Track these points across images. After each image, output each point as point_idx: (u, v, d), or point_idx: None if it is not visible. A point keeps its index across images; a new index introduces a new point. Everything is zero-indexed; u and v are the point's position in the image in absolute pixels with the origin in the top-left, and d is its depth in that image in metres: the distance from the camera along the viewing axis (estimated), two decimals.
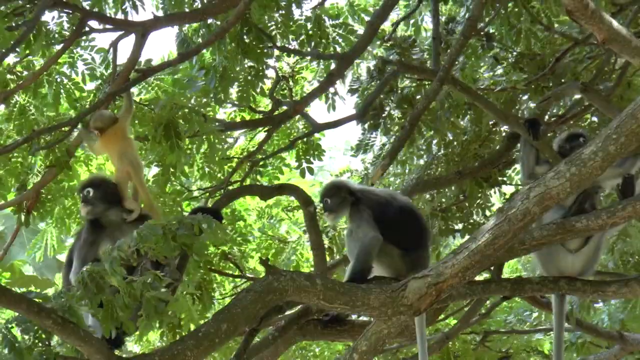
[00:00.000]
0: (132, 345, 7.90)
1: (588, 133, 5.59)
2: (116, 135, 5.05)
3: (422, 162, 6.85)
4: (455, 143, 6.67)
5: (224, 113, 7.01)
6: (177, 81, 5.97)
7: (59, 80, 5.72)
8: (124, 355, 4.06)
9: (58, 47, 5.30)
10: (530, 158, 5.29)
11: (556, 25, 6.17)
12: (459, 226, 6.82)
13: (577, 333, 6.62)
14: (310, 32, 6.23)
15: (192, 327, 5.75)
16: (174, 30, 6.31)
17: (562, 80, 6.14)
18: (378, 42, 6.65)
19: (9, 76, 5.57)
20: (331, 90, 6.76)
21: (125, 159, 4.95)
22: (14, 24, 4.97)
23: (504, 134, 6.74)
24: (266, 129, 6.57)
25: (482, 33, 6.23)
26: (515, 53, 6.30)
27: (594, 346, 6.73)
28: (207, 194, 6.61)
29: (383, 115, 6.58)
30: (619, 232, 6.25)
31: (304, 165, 6.84)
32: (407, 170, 6.93)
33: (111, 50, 5.39)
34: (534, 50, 6.24)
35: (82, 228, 4.95)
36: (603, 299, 6.50)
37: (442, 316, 6.51)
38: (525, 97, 6.57)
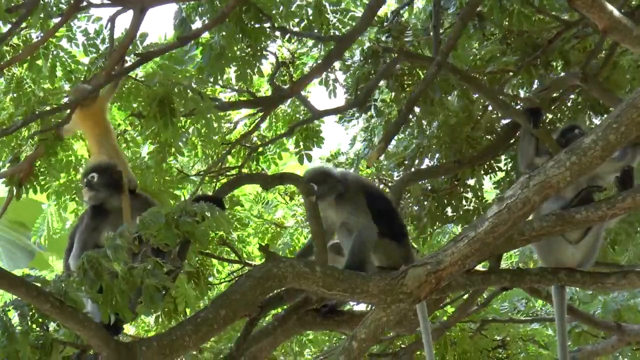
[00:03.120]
0: (128, 326, 7.85)
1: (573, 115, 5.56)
2: (94, 114, 5.02)
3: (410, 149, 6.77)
4: (445, 126, 6.59)
5: (223, 98, 6.95)
6: (171, 56, 5.90)
7: (55, 53, 5.65)
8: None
9: (56, 20, 5.23)
10: (530, 148, 5.28)
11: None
12: (452, 213, 6.79)
13: (573, 323, 6.59)
14: (311, 17, 6.18)
15: (188, 310, 5.82)
16: (168, 6, 6.21)
17: (549, 59, 6.08)
18: (375, 29, 6.60)
19: (5, 48, 5.52)
20: (331, 76, 6.72)
21: (104, 148, 4.93)
22: (13, 5, 4.90)
23: (493, 116, 6.70)
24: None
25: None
26: (503, 29, 6.22)
27: (592, 336, 6.71)
28: (201, 176, 6.56)
29: (371, 94, 6.51)
30: None
31: (303, 152, 6.81)
32: (396, 149, 6.87)
33: (108, 25, 5.33)
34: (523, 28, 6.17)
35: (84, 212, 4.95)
36: (602, 291, 6.47)
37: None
38: (514, 77, 6.48)
